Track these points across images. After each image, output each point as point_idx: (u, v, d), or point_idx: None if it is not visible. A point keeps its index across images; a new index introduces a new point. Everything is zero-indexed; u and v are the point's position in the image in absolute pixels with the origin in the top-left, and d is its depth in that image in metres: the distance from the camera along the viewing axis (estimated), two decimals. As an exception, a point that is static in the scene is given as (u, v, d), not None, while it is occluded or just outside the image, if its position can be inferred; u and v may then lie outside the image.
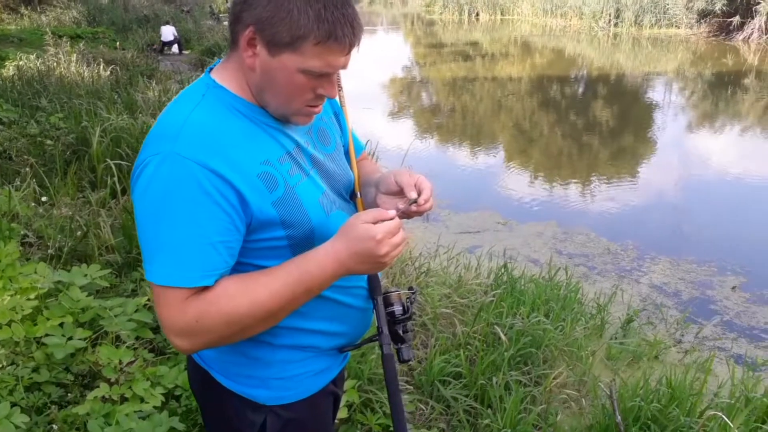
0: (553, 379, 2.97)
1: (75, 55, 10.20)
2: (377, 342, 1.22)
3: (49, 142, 5.37)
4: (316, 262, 1.08)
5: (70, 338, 2.42)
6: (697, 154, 8.84)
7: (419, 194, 1.22)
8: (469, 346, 3.07)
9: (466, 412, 2.74)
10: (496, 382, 2.77)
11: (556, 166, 8.40)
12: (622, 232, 5.71)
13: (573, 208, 6.52)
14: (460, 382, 2.86)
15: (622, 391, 2.85)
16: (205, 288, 1.04)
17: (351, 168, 1.35)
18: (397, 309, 1.24)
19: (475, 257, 4.39)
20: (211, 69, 1.18)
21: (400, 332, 1.23)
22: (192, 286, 1.03)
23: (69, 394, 2.40)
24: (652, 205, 6.72)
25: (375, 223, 1.08)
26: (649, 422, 2.62)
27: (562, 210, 6.45)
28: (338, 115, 1.40)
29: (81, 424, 2.16)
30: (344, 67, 1.11)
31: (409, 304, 1.26)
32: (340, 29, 1.04)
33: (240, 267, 1.11)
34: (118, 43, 14.37)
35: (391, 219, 1.09)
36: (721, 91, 13.46)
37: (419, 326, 3.25)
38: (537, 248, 5.34)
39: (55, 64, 9.21)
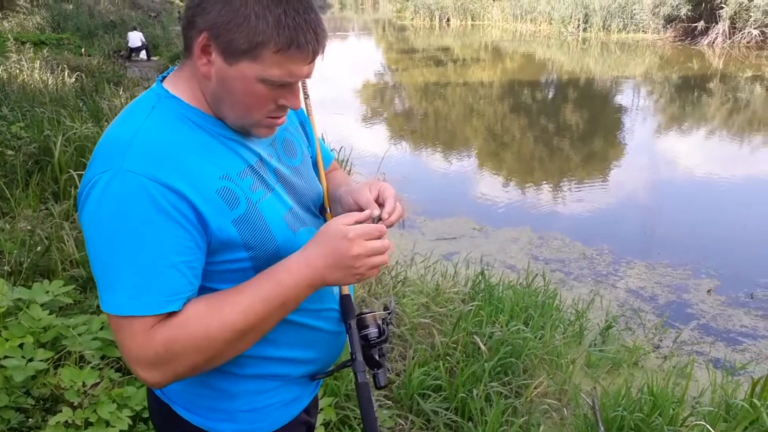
0: (534, 389, 2.93)
1: (38, 61, 9.93)
2: (351, 368, 1.14)
3: (9, 152, 5.17)
4: (288, 272, 1.00)
5: (31, 360, 2.30)
6: (667, 157, 8.96)
7: (383, 206, 1.14)
8: (448, 357, 3.01)
9: (446, 426, 2.68)
10: (477, 394, 2.71)
11: (528, 170, 8.42)
12: (596, 236, 5.72)
13: (547, 213, 6.53)
14: (440, 395, 2.79)
15: (604, 401, 2.82)
16: (172, 313, 0.95)
17: (320, 180, 1.27)
18: (372, 332, 1.16)
19: (452, 264, 4.35)
20: (163, 78, 1.08)
21: (376, 356, 1.15)
22: (157, 313, 0.94)
23: (30, 420, 2.27)
24: (625, 209, 6.76)
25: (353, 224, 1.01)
26: (632, 432, 2.59)
27: (536, 215, 6.45)
28: (304, 124, 1.31)
29: (42, 453, 2.04)
30: (308, 76, 1.03)
31: (385, 326, 1.18)
32: (303, 36, 0.96)
33: (203, 292, 1.02)
34: (83, 50, 14.05)
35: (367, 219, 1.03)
36: (687, 95, 13.71)
37: (397, 337, 3.18)
38: (513, 254, 5.31)
39: (18, 71, 8.95)
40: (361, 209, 1.13)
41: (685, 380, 3.00)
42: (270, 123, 1.06)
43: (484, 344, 2.98)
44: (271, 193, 1.09)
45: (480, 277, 3.88)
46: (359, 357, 1.13)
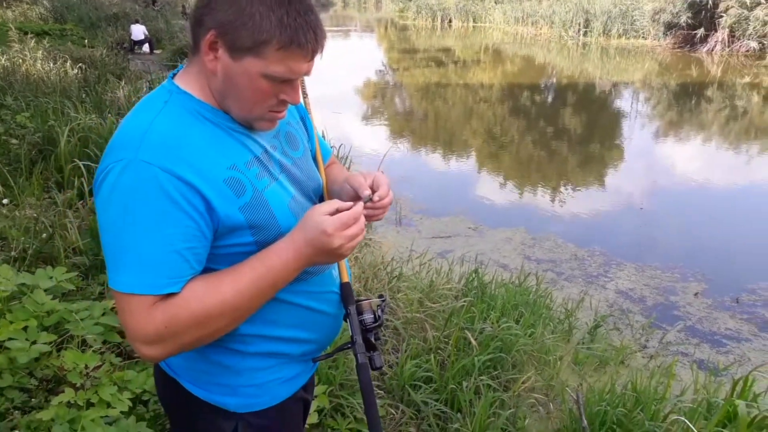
0: (522, 383, 3.01)
1: (41, 52, 9.98)
2: (350, 350, 1.22)
3: (14, 141, 5.24)
4: (277, 256, 1.08)
5: (34, 342, 2.36)
6: (662, 163, 9.05)
7: (375, 191, 1.23)
8: (440, 351, 3.10)
9: (436, 416, 2.76)
10: (467, 387, 2.80)
11: (525, 172, 8.51)
12: (588, 239, 5.82)
13: (541, 214, 6.62)
14: (431, 387, 2.88)
15: (588, 396, 2.90)
16: (172, 293, 1.03)
17: (319, 173, 1.36)
18: (368, 317, 1.24)
19: (447, 262, 4.43)
20: (173, 75, 1.16)
21: (372, 340, 1.23)
22: (159, 293, 1.01)
23: (33, 399, 2.35)
24: (618, 212, 6.85)
25: (332, 214, 1.09)
26: (615, 426, 2.67)
27: (531, 216, 6.54)
28: (305, 119, 1.40)
29: (45, 430, 2.11)
30: (307, 73, 1.11)
31: (379, 312, 1.27)
32: (303, 35, 1.04)
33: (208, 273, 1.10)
34: (86, 41, 14.09)
35: (349, 209, 1.11)
36: (685, 101, 13.80)
37: (391, 330, 3.27)
38: (506, 253, 5.40)
39: (20, 61, 9.00)
40: (356, 193, 1.23)
41: (668, 379, 3.09)
42: (272, 116, 1.14)
43: (475, 339, 3.07)
44: (275, 182, 1.18)
45: (473, 275, 3.96)
46: (359, 340, 1.20)
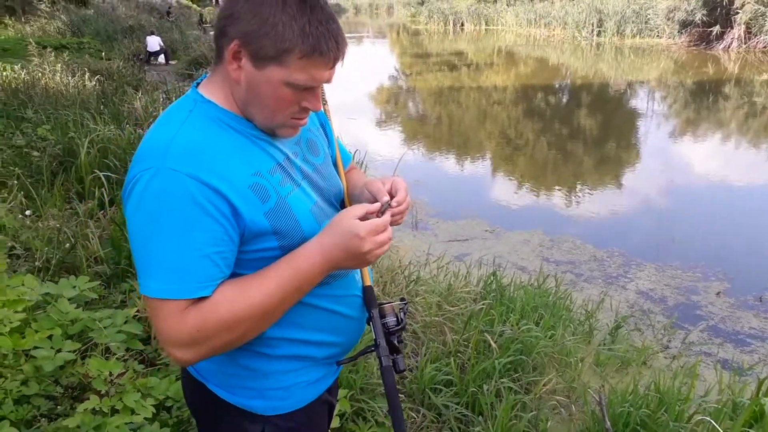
0: (543, 385, 3.00)
1: (60, 65, 10.13)
2: (373, 353, 1.23)
3: (35, 153, 5.33)
4: (305, 259, 1.10)
5: (59, 350, 2.40)
6: (680, 162, 8.97)
7: (394, 196, 1.24)
8: (459, 354, 3.09)
9: (457, 419, 2.75)
10: (487, 390, 2.79)
11: (541, 174, 8.48)
12: (607, 239, 5.77)
13: (559, 216, 6.58)
14: (451, 390, 2.87)
15: (611, 397, 2.88)
16: (203, 298, 1.05)
17: (340, 178, 1.37)
18: (391, 320, 1.25)
19: (464, 265, 4.42)
20: (197, 84, 1.18)
21: (395, 342, 1.24)
22: (190, 297, 1.03)
23: (58, 407, 2.37)
24: (637, 212, 6.79)
25: (362, 218, 1.11)
26: (638, 427, 2.64)
27: (548, 217, 6.50)
28: (324, 126, 1.41)
29: (71, 437, 2.14)
30: (328, 81, 1.12)
31: (402, 315, 1.28)
32: (325, 44, 1.05)
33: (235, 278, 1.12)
34: (103, 54, 14.30)
35: (379, 211, 1.14)
36: (702, 100, 13.67)
37: (410, 334, 3.27)
38: (524, 255, 5.37)
39: (40, 74, 9.15)
40: (375, 198, 1.25)
41: (691, 380, 3.05)
42: (294, 123, 1.16)
43: (495, 342, 3.06)
44: (297, 189, 1.19)
45: (491, 278, 3.95)
46: (382, 342, 1.22)
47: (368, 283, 1.30)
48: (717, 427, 2.44)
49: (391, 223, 1.26)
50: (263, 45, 1.04)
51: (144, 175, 1.03)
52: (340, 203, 1.36)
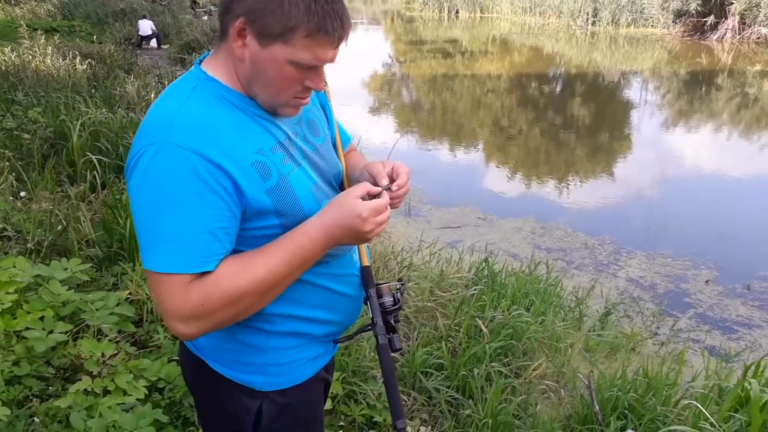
0: (533, 370, 3.03)
1: (50, 48, 10.03)
2: (370, 332, 1.25)
3: (26, 136, 5.29)
4: (308, 236, 1.11)
5: (51, 332, 2.41)
6: (672, 152, 9.01)
7: (394, 180, 1.25)
8: (451, 339, 3.11)
9: (447, 402, 2.78)
10: (478, 374, 2.81)
11: (534, 162, 8.50)
12: (598, 228, 5.81)
13: (551, 204, 6.61)
14: (442, 374, 2.90)
15: (600, 382, 2.91)
16: (206, 273, 1.06)
17: (339, 159, 1.38)
18: (387, 300, 1.27)
19: (457, 252, 4.44)
20: (200, 61, 1.18)
21: (392, 322, 1.26)
22: (194, 272, 1.04)
23: (50, 388, 2.38)
24: (628, 201, 6.84)
25: (364, 198, 1.13)
26: (626, 411, 2.68)
27: (540, 205, 6.53)
28: (324, 107, 1.42)
29: (63, 417, 2.15)
30: (332, 60, 1.12)
31: (399, 295, 1.29)
32: (330, 23, 1.05)
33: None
34: (94, 37, 14.15)
35: (380, 193, 1.16)
36: (695, 90, 13.70)
37: (402, 319, 3.28)
38: (516, 243, 5.40)
39: (30, 57, 9.06)
40: (374, 180, 1.26)
41: (679, 365, 3.09)
42: (296, 103, 1.17)
43: (486, 327, 3.08)
44: (298, 168, 1.20)
45: (483, 264, 3.97)
46: (379, 321, 1.24)
47: (366, 263, 1.31)
48: (703, 410, 2.48)
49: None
50: (269, 23, 1.04)
51: (148, 149, 1.03)
52: (340, 185, 1.37)
